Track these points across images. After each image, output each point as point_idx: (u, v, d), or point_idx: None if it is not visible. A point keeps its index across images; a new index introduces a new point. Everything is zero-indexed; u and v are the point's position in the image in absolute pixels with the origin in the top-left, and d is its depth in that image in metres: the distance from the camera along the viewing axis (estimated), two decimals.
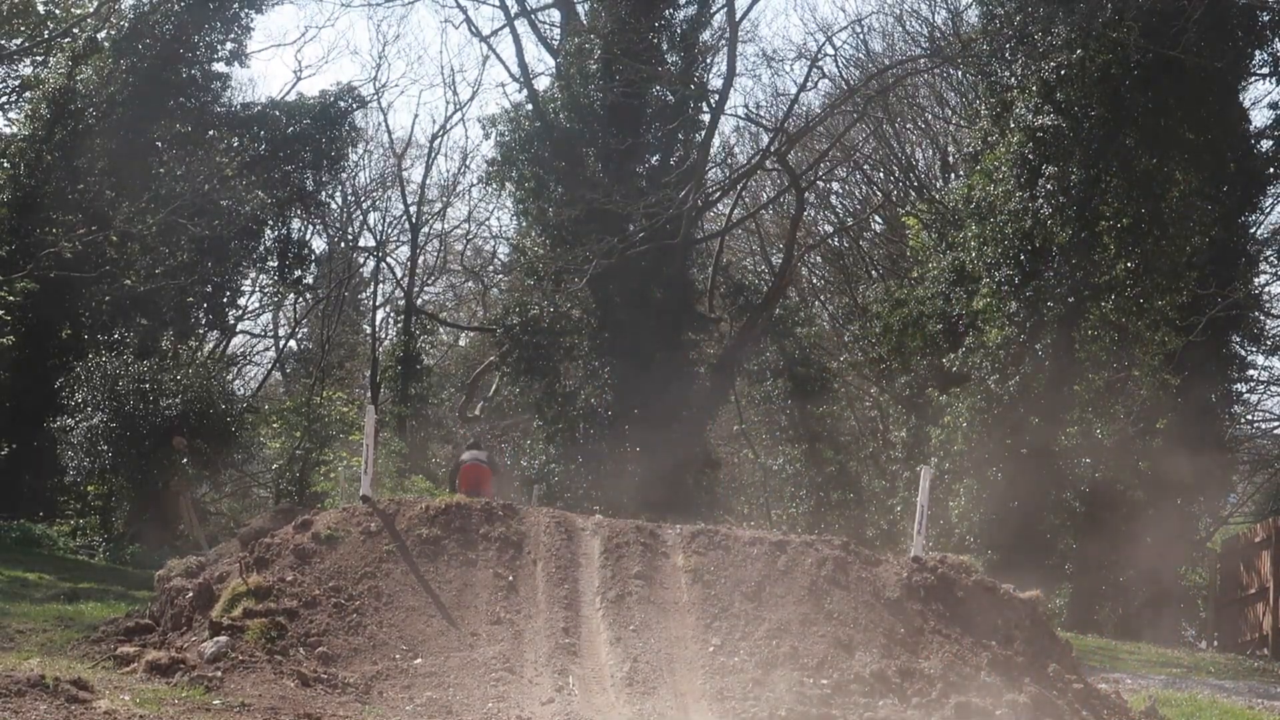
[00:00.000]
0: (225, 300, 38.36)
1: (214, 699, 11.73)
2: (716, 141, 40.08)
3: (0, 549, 26.08)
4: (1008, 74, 31.95)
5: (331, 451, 39.63)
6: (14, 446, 31.52)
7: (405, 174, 50.07)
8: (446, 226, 53.41)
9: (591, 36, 35.12)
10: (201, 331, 39.41)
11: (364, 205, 51.17)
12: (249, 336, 52.34)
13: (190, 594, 14.48)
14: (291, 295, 43.35)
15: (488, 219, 65.62)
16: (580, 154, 34.77)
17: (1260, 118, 40.13)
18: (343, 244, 50.77)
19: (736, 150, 43.63)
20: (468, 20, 59.09)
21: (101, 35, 35.89)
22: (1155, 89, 29.78)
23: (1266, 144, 33.10)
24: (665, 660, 13.64)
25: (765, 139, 38.08)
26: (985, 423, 30.42)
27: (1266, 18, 31.16)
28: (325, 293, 48.84)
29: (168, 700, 11.43)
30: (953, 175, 40.71)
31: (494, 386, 41.56)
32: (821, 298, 47.78)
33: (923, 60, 39.87)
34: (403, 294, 48.72)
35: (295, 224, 40.77)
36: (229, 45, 36.80)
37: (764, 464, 41.13)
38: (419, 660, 13.29)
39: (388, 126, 74.01)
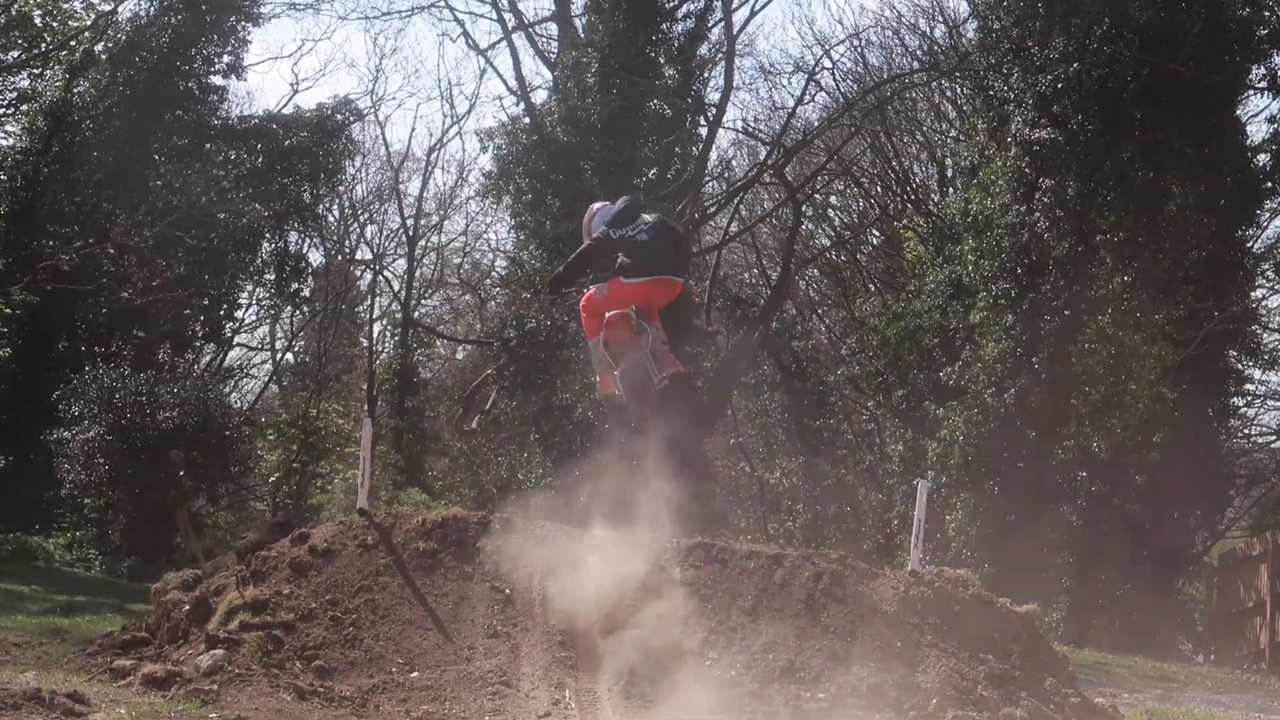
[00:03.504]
0: (222, 313, 38.36)
1: (210, 712, 11.70)
2: (714, 155, 40.19)
3: None
4: (1005, 88, 32.02)
5: (328, 464, 39.65)
6: (10, 459, 31.49)
7: (402, 187, 50.12)
8: (444, 240, 53.49)
9: (589, 50, 35.17)
10: (198, 344, 39.41)
11: (361, 218, 51.27)
12: (246, 349, 52.39)
13: (186, 607, 14.46)
14: (288, 308, 43.32)
15: (485, 232, 65.67)
16: (577, 167, 34.78)
17: (1257, 132, 40.25)
18: (340, 257, 50.85)
19: (734, 164, 43.68)
20: (465, 34, 59.43)
21: (99, 48, 35.97)
22: (1152, 103, 29.85)
23: (1263, 158, 33.11)
24: (662, 674, 13.61)
25: (762, 152, 38.14)
26: (982, 436, 30.44)
27: (1263, 32, 31.24)
28: (322, 306, 48.81)
29: (164, 713, 11.41)
30: (950, 189, 40.76)
31: (491, 400, 41.57)
32: (819, 311, 47.80)
33: (920, 74, 39.94)
34: (400, 307, 48.76)
35: (292, 237, 40.82)
36: (226, 58, 36.91)
37: (761, 477, 41.12)
38: (415, 674, 13.27)
39: (385, 139, 74.02)
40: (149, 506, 28.20)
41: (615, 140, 34.39)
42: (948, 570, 15.94)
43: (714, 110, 36.94)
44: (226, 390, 43.51)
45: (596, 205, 13.73)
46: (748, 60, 77.22)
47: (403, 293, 48.81)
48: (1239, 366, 34.64)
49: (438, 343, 52.58)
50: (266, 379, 53.80)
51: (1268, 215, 35.13)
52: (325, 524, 15.66)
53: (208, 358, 44.15)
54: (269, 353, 53.27)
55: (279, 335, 52.45)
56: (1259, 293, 37.06)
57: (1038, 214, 30.44)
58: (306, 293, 42.55)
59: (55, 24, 38.35)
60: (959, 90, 40.14)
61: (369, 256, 51.57)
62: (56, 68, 36.18)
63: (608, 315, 13.35)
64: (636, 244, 13.00)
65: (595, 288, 13.31)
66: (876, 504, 37.89)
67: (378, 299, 51.91)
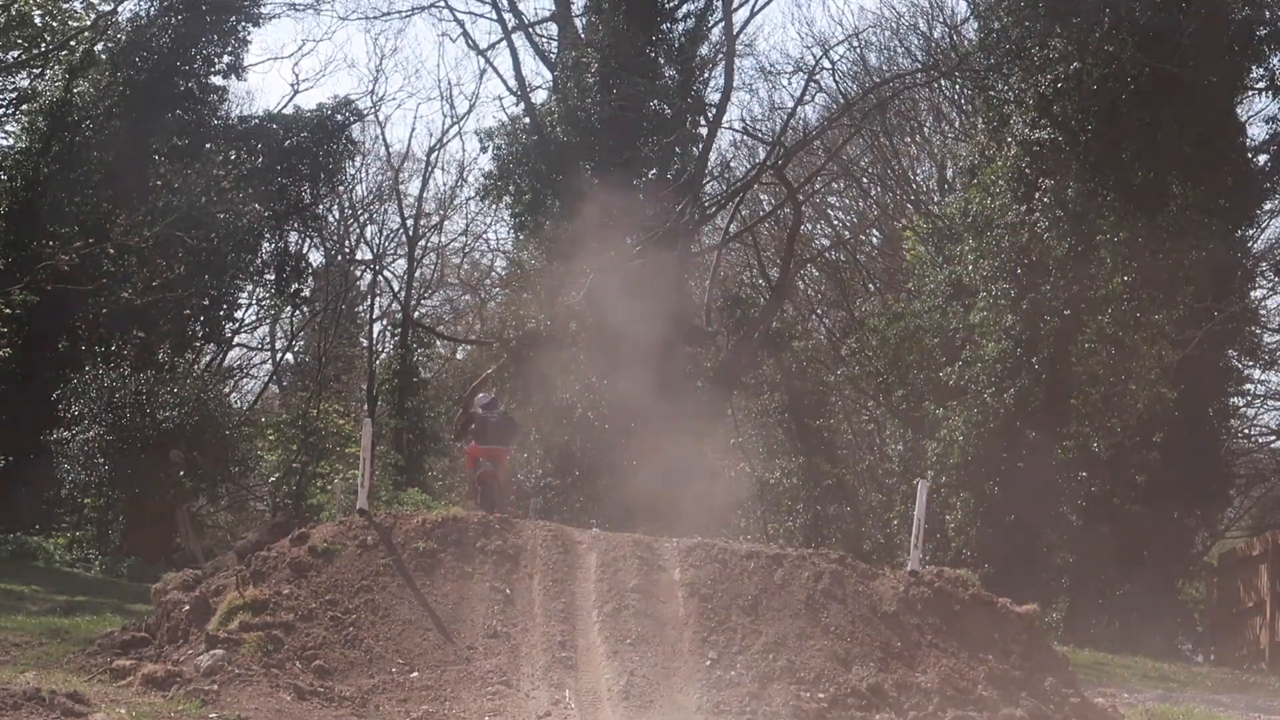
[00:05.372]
0: (222, 313, 38.32)
1: (210, 712, 11.71)
2: (713, 155, 40.17)
3: None
4: (1004, 88, 32.01)
5: (328, 464, 39.61)
6: (10, 459, 31.49)
7: (402, 187, 50.01)
8: (444, 240, 53.44)
9: (589, 50, 35.16)
10: (198, 344, 39.37)
11: (361, 218, 51.18)
12: (246, 349, 52.40)
13: (186, 607, 14.47)
14: (288, 308, 43.31)
15: (485, 232, 65.57)
16: (577, 167, 34.78)
17: (1257, 132, 40.22)
18: (340, 257, 50.78)
19: (733, 164, 43.63)
20: (465, 34, 59.14)
21: (99, 48, 35.97)
22: (1152, 103, 29.83)
23: (1263, 158, 33.09)
24: (662, 674, 13.62)
25: (762, 152, 38.12)
26: (982, 436, 30.43)
27: (1263, 32, 31.21)
28: (322, 306, 48.79)
29: (163, 713, 11.41)
30: (950, 189, 40.73)
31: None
32: (818, 311, 47.76)
33: (919, 74, 39.93)
34: (400, 307, 48.71)
35: (292, 237, 40.78)
36: (226, 58, 36.89)
37: (761, 477, 41.08)
38: (415, 674, 13.28)
39: (385, 140, 73.74)
40: (149, 506, 28.19)
41: (615, 140, 34.38)
42: (948, 570, 15.96)
43: (714, 110, 36.95)
44: (226, 390, 43.49)
45: (480, 396, 22.80)
46: (748, 60, 77.27)
47: (403, 293, 48.75)
48: (1239, 366, 34.64)
49: (438, 343, 52.53)
50: (266, 379, 53.85)
51: (1267, 215, 35.17)
52: (325, 524, 15.68)
53: (208, 358, 44.12)
54: (269, 353, 53.33)
55: (279, 335, 52.50)
56: (1259, 293, 37.08)
57: (1037, 214, 30.42)
58: (306, 293, 42.53)
59: (55, 24, 38.27)
60: (959, 90, 40.13)
61: (369, 256, 51.55)
62: (56, 68, 36.16)
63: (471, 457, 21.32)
64: (486, 423, 20.82)
65: (472, 443, 21.08)
66: (876, 504, 37.87)
67: (378, 299, 51.88)
